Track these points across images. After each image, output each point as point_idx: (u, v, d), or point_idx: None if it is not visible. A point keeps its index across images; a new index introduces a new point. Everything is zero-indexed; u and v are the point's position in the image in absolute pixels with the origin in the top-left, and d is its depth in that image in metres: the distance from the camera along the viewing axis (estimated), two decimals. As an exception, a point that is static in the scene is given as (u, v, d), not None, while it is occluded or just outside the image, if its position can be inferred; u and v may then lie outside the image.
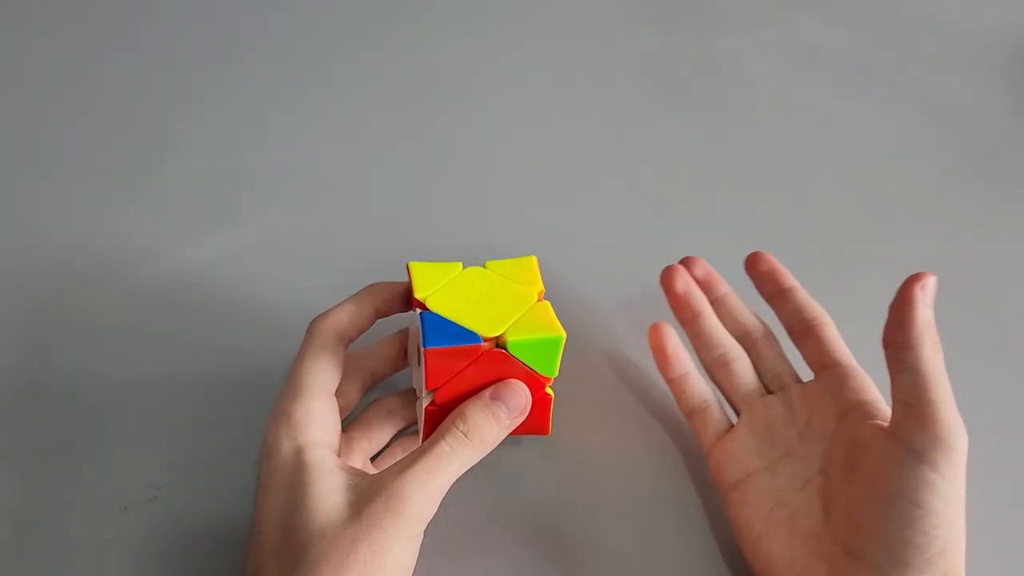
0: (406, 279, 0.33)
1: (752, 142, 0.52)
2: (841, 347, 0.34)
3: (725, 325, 0.37)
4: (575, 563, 0.34)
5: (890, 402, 0.30)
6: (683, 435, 0.38)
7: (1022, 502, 0.36)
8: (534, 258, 0.34)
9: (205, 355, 0.40)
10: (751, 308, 0.38)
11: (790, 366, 0.36)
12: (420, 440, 0.33)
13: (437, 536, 0.31)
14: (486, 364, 0.30)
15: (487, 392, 0.30)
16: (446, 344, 0.29)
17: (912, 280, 0.30)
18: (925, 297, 0.30)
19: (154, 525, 0.34)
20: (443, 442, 0.29)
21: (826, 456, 0.32)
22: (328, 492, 0.28)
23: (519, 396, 0.30)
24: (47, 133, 0.51)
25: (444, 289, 0.32)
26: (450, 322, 0.30)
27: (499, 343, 0.30)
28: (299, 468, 0.28)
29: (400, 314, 0.34)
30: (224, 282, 0.43)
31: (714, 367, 0.36)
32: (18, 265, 0.44)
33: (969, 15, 0.62)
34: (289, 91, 0.55)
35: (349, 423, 0.35)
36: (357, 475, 0.29)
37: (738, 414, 0.35)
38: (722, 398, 0.36)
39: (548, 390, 0.32)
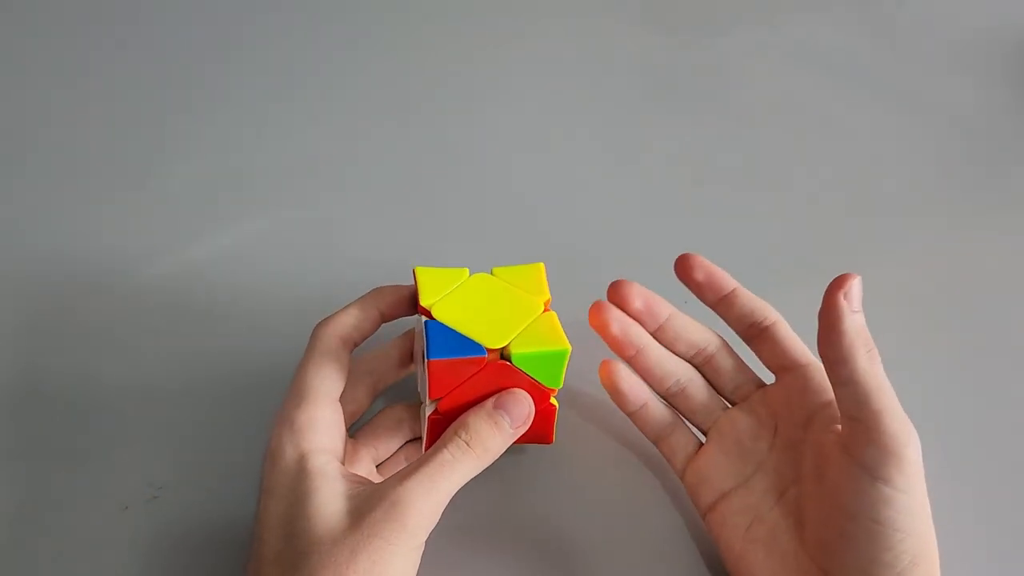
0: (410, 282, 0.33)
1: (752, 143, 0.52)
2: (797, 345, 0.33)
3: (676, 348, 0.36)
4: (575, 571, 0.34)
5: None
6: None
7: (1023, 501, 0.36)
8: (542, 265, 0.33)
9: (205, 355, 0.40)
10: (701, 321, 0.36)
11: (750, 374, 0.35)
12: (423, 448, 0.32)
13: (438, 544, 0.31)
14: (490, 375, 0.30)
15: (490, 401, 0.30)
16: (450, 356, 0.29)
17: (834, 287, 0.29)
18: (850, 304, 0.29)
19: (154, 525, 0.34)
20: (445, 451, 0.28)
21: (798, 466, 0.32)
22: (330, 500, 0.27)
23: (522, 406, 0.30)
24: (48, 134, 0.51)
25: (450, 296, 0.31)
26: (455, 332, 0.30)
27: (504, 355, 0.30)
28: (301, 475, 0.28)
29: (406, 317, 0.34)
30: (224, 282, 0.43)
31: (670, 397, 0.35)
32: (18, 265, 0.44)
33: (969, 15, 0.62)
34: (290, 92, 0.55)
35: (357, 429, 0.35)
36: (360, 483, 0.28)
37: (705, 434, 0.35)
38: (688, 423, 0.36)
39: (553, 400, 0.32)
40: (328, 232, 0.46)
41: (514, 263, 0.34)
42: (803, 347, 0.34)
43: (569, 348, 0.30)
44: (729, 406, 0.35)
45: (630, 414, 0.35)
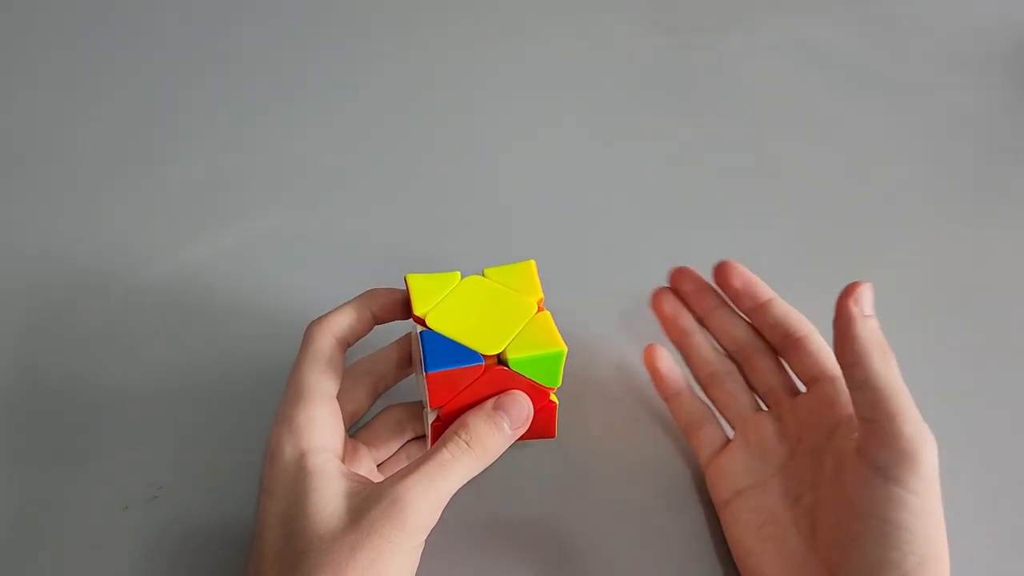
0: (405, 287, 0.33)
1: (752, 143, 0.52)
2: (828, 357, 0.34)
3: (719, 339, 0.37)
4: (576, 570, 0.34)
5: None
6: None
7: None
8: (532, 262, 0.33)
9: (205, 355, 0.40)
10: (745, 320, 0.37)
11: (785, 378, 0.36)
12: None
13: (439, 542, 0.31)
14: (489, 379, 0.30)
15: (490, 403, 0.30)
16: (448, 367, 0.29)
17: (844, 295, 0.30)
18: (862, 308, 0.30)
19: (154, 525, 0.34)
20: (445, 451, 0.29)
21: (816, 472, 0.32)
22: (329, 498, 0.27)
23: (522, 407, 0.30)
24: (48, 134, 0.51)
25: (443, 303, 0.31)
26: (450, 341, 0.30)
27: (501, 359, 0.30)
28: (301, 474, 0.28)
29: (400, 321, 0.34)
30: (224, 283, 0.43)
31: (708, 384, 0.36)
32: (18, 265, 0.44)
33: (969, 15, 0.62)
34: (289, 93, 0.55)
35: (358, 430, 0.35)
36: (359, 482, 0.29)
37: (734, 429, 0.35)
38: (719, 414, 0.36)
39: (553, 397, 0.32)
40: (328, 232, 0.46)
41: (513, 262, 0.34)
42: (835, 360, 0.34)
43: (565, 349, 0.30)
44: (763, 406, 0.35)
45: (667, 399, 0.37)
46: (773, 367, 0.36)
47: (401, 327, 0.34)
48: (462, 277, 0.33)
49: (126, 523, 0.34)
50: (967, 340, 0.42)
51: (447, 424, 0.31)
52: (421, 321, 0.31)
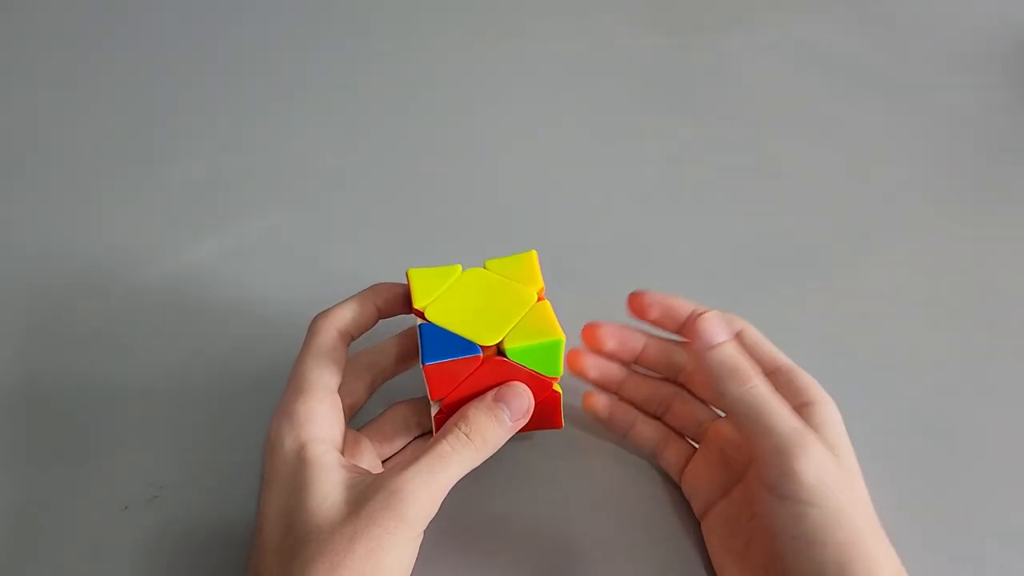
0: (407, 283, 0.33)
1: (752, 143, 0.52)
2: (764, 352, 0.33)
3: (658, 368, 0.36)
4: (576, 566, 0.34)
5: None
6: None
7: None
8: (534, 253, 0.33)
9: (205, 355, 0.40)
10: (673, 340, 0.36)
11: None
12: None
13: (439, 544, 0.31)
14: (489, 370, 0.30)
15: (490, 394, 0.30)
16: (444, 359, 0.29)
17: (688, 335, 0.31)
18: (707, 341, 0.30)
19: (154, 525, 0.34)
20: (444, 443, 0.29)
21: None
22: (328, 489, 0.28)
23: (522, 399, 0.30)
24: (48, 134, 0.51)
25: (443, 296, 0.31)
26: (448, 333, 0.30)
27: (499, 350, 0.30)
28: (300, 465, 0.28)
29: (405, 315, 0.34)
30: (224, 282, 0.43)
31: (661, 414, 0.36)
32: (18, 265, 0.44)
33: (969, 15, 0.62)
34: (289, 93, 0.55)
35: (363, 427, 0.35)
36: (359, 473, 0.29)
37: (698, 444, 0.35)
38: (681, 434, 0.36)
39: (556, 387, 0.32)
40: (328, 231, 0.46)
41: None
42: (772, 354, 0.33)
43: (563, 338, 0.30)
44: (721, 414, 0.35)
45: (622, 438, 0.36)
46: None
47: (406, 321, 0.34)
48: None
49: (126, 523, 0.34)
50: (967, 340, 0.42)
51: (450, 416, 0.31)
52: (420, 314, 0.31)
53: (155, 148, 0.50)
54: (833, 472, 0.28)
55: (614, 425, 0.36)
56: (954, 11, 0.62)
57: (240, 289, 0.43)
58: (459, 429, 0.29)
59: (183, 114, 0.52)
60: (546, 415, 0.33)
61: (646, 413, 0.36)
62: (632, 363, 0.36)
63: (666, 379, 0.36)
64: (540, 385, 0.31)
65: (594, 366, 0.36)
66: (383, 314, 0.33)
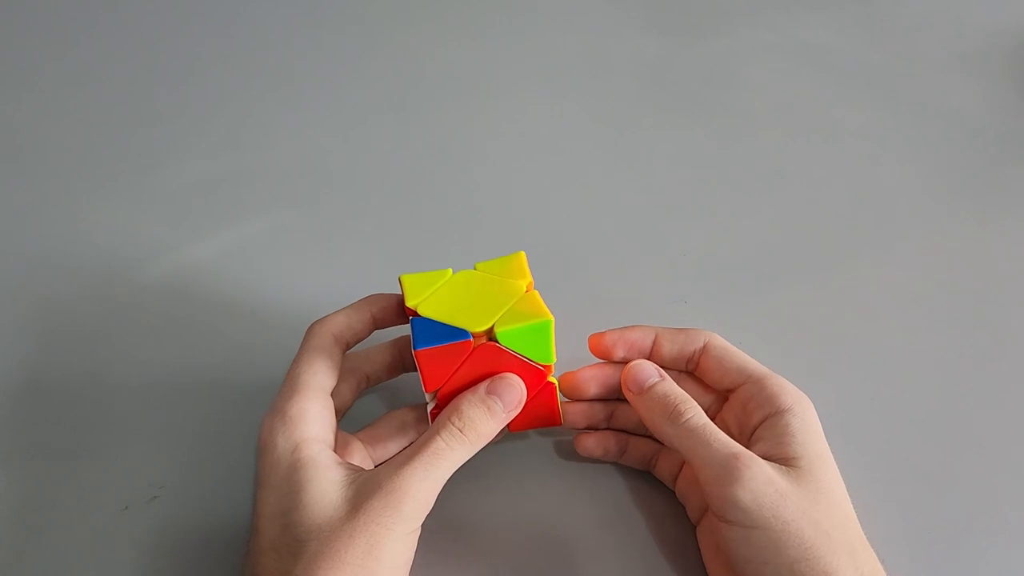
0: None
1: (752, 142, 0.52)
2: (735, 362, 0.33)
3: (674, 363, 0.35)
4: (575, 568, 0.34)
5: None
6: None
7: None
8: (522, 253, 0.34)
9: (206, 355, 0.40)
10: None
11: (713, 393, 0.35)
12: None
13: (438, 544, 0.31)
14: (481, 359, 0.30)
15: (482, 386, 0.31)
16: (435, 344, 0.29)
17: (623, 382, 0.33)
18: (637, 387, 0.32)
19: (154, 525, 0.34)
20: (438, 438, 0.29)
21: None
22: (325, 488, 0.28)
23: (514, 390, 0.31)
24: (47, 134, 0.51)
25: (434, 295, 0.32)
26: (438, 323, 0.30)
27: (490, 336, 0.30)
28: (295, 465, 0.28)
29: (401, 326, 0.34)
30: (225, 282, 0.43)
31: (650, 433, 0.36)
32: (20, 264, 0.44)
33: (969, 15, 0.62)
34: (291, 94, 0.55)
35: (359, 430, 0.35)
36: (354, 471, 0.29)
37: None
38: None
39: (551, 379, 0.32)
40: (328, 232, 0.46)
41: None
42: (740, 364, 0.33)
43: (552, 319, 0.30)
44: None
45: (618, 461, 0.36)
46: (697, 388, 0.35)
47: (401, 333, 0.34)
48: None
49: (126, 523, 0.34)
50: (967, 340, 0.42)
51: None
52: (414, 313, 0.31)
53: (155, 148, 0.50)
54: (779, 490, 0.28)
55: (609, 456, 0.36)
56: (954, 11, 0.62)
57: (240, 289, 0.43)
58: (452, 424, 0.29)
59: (183, 114, 0.52)
60: (543, 411, 0.33)
61: (637, 435, 0.36)
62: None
63: None
64: (534, 376, 0.31)
65: (578, 412, 0.35)
66: (378, 322, 0.34)
